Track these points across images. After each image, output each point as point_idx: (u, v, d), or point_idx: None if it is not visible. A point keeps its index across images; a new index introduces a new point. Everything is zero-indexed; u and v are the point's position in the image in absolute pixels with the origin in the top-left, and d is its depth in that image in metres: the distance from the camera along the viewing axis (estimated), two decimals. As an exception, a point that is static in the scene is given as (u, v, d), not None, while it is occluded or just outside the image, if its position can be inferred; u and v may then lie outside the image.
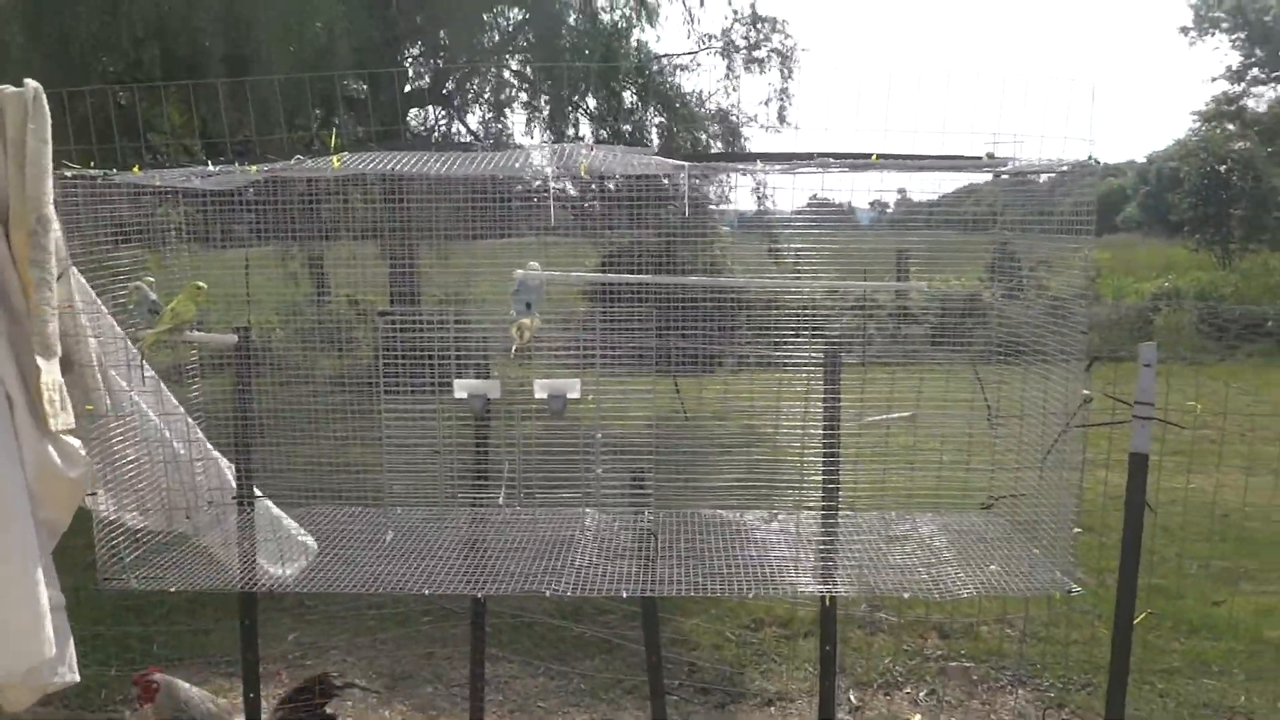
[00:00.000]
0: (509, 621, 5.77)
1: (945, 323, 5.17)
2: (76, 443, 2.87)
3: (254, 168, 2.71)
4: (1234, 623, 5.75)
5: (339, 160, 2.63)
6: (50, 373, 2.87)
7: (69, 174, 2.82)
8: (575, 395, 2.88)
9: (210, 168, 2.84)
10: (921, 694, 5.14)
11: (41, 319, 2.87)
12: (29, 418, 2.80)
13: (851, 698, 5.10)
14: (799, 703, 5.07)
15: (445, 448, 3.10)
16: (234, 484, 3.30)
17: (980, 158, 2.64)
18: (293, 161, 2.72)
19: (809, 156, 2.55)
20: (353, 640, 5.66)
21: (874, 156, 2.55)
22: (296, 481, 3.43)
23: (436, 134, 13.95)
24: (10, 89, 2.89)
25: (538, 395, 2.89)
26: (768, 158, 2.59)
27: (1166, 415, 3.24)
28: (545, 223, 3.26)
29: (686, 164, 2.59)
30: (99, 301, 3.04)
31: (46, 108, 2.88)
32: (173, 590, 2.95)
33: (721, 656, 5.56)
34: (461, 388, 2.91)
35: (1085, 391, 2.79)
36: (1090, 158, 2.58)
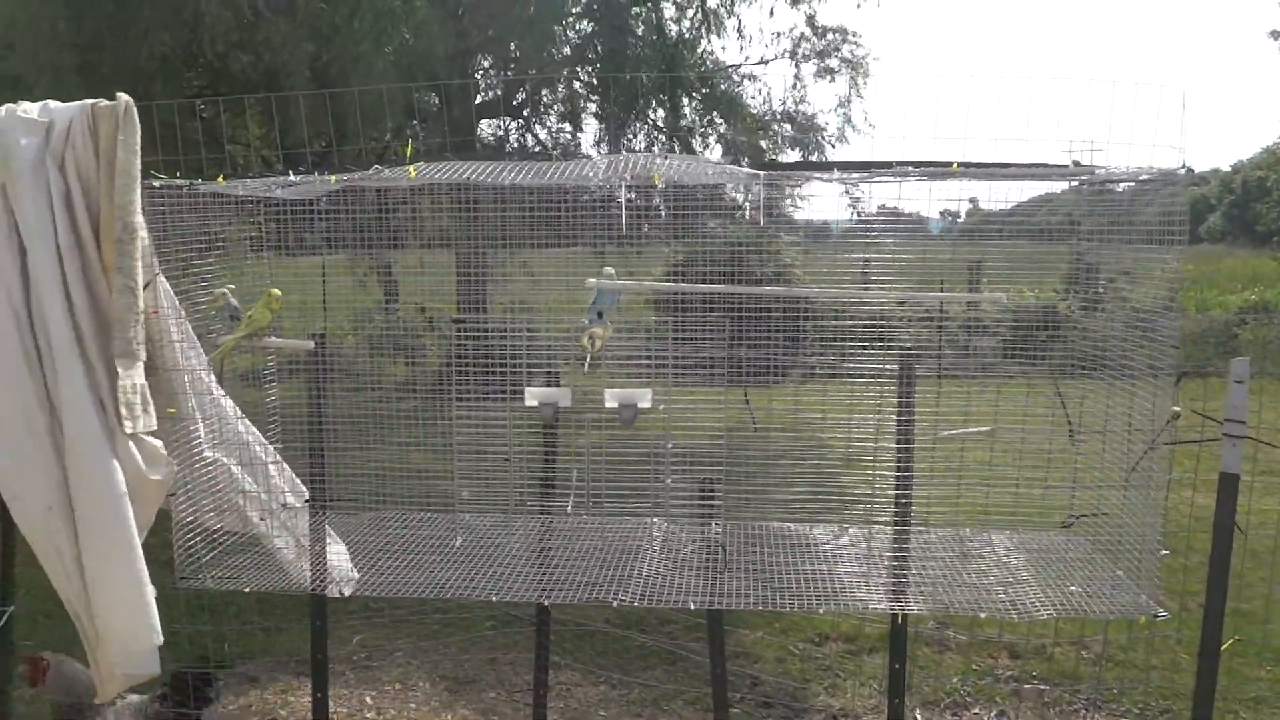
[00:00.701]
0: (572, 629, 5.77)
1: (1019, 335, 5.04)
2: (159, 444, 2.95)
3: (334, 178, 2.76)
4: (1325, 652, 5.49)
5: (414, 170, 2.66)
6: (129, 377, 2.96)
7: (157, 184, 2.90)
8: (646, 405, 2.87)
9: (291, 177, 2.90)
10: (990, 714, 5.00)
11: (123, 324, 2.96)
12: (118, 422, 2.90)
13: (918, 716, 4.99)
14: (863, 719, 4.97)
15: (515, 455, 3.11)
16: (304, 490, 3.36)
17: (1066, 165, 2.56)
18: (370, 171, 2.77)
19: (887, 165, 2.50)
20: (417, 644, 5.72)
21: (955, 165, 2.48)
22: (368, 486, 3.48)
23: (508, 145, 14.12)
24: (104, 103, 3.00)
25: (608, 404, 2.88)
26: (845, 166, 2.55)
27: (1257, 433, 3.10)
28: (614, 231, 3.25)
29: (762, 173, 2.56)
30: (179, 308, 3.12)
31: (136, 120, 2.98)
32: (247, 590, 3.01)
33: (785, 670, 5.49)
34: (533, 395, 2.92)
35: (1175, 408, 2.69)
36: (1183, 166, 2.48)
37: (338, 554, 3.32)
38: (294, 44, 8.86)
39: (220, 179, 3.00)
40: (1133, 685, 5.13)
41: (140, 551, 2.86)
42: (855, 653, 5.65)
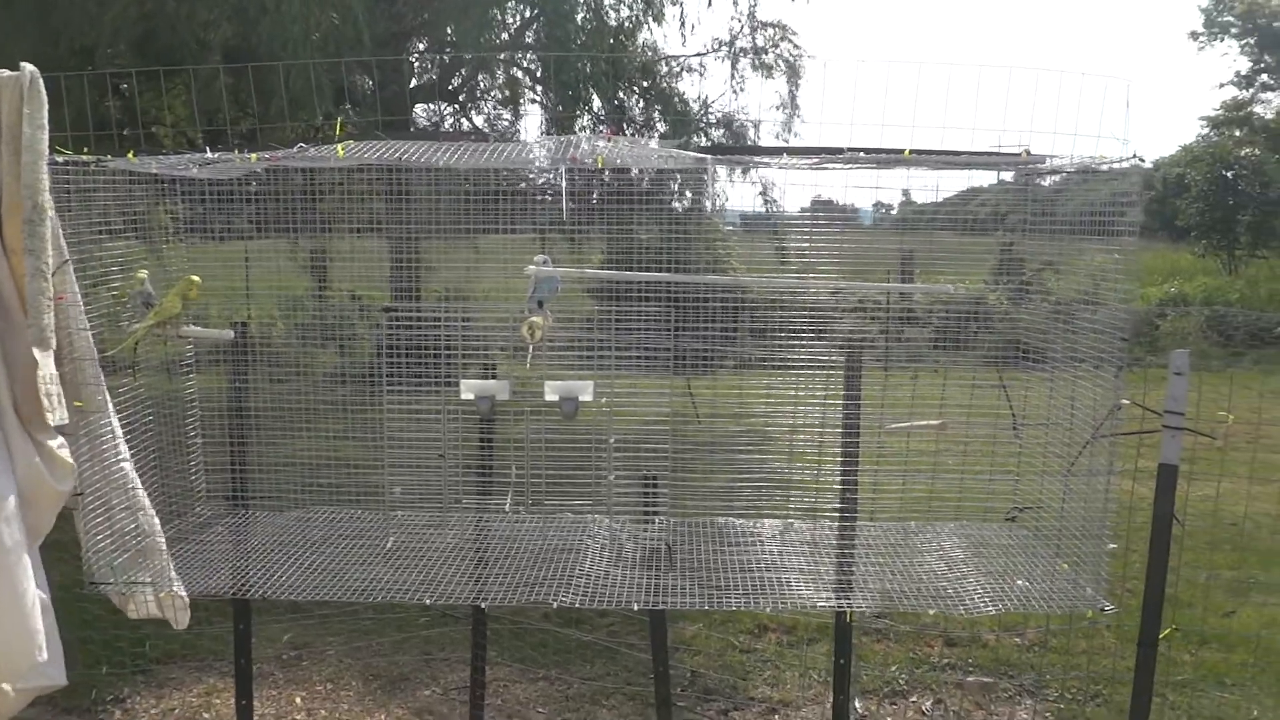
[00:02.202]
0: (508, 626, 5.66)
1: (958, 326, 5.06)
2: (67, 456, 2.75)
3: (254, 156, 2.61)
4: (1244, 634, 5.64)
5: (343, 149, 2.53)
6: (46, 366, 2.77)
7: (60, 159, 2.71)
8: (588, 398, 2.78)
9: (209, 154, 2.74)
10: (928, 703, 5.04)
11: (38, 310, 2.77)
12: (16, 420, 2.70)
13: (857, 706, 4.99)
14: (804, 711, 4.96)
15: (450, 449, 2.99)
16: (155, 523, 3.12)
17: (1018, 154, 2.53)
18: (294, 150, 2.62)
19: (837, 151, 2.44)
20: (349, 642, 5.56)
21: (906, 152, 2.44)
22: (295, 481, 3.33)
23: (443, 130, 13.86)
24: (6, 73, 2.78)
25: (549, 397, 2.78)
26: (794, 151, 2.48)
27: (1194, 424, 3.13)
28: (552, 218, 3.15)
29: (710, 156, 2.48)
30: (78, 295, 2.93)
31: (43, 93, 2.78)
32: (163, 595, 2.84)
33: (724, 663, 5.46)
34: (468, 388, 2.81)
35: (1125, 400, 2.69)
36: (1135, 156, 2.47)
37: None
38: (211, 23, 8.57)
39: (130, 155, 2.81)
40: (1067, 673, 5.22)
41: (24, 565, 2.64)
42: (795, 643, 5.65)
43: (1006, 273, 3.58)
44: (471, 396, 2.82)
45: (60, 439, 2.75)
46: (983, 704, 5.04)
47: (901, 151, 2.43)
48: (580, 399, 2.76)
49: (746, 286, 3.39)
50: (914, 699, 5.09)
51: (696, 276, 2.98)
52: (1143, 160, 2.48)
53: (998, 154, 2.53)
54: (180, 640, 5.37)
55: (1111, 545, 2.76)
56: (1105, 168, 2.60)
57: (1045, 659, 5.40)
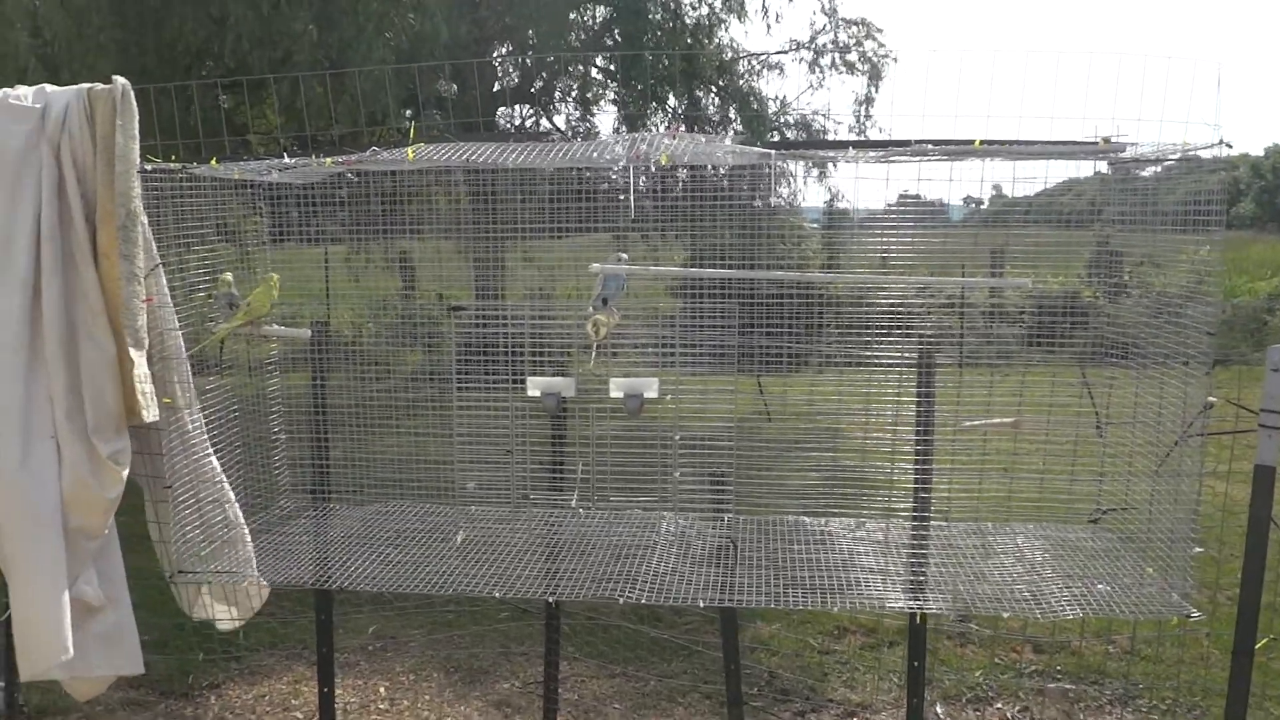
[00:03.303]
0: (585, 623, 5.71)
1: (1043, 322, 4.91)
2: (118, 465, 2.85)
3: (329, 160, 2.69)
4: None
5: (413, 152, 2.58)
6: (141, 365, 2.90)
7: (148, 167, 2.83)
8: (653, 394, 2.78)
9: (286, 159, 2.83)
10: (1013, 710, 4.90)
11: (132, 312, 2.90)
12: (73, 426, 2.81)
13: (939, 712, 4.89)
14: (882, 715, 4.88)
15: (519, 446, 3.03)
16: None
17: (1095, 143, 2.44)
18: (368, 153, 2.69)
19: (905, 143, 2.39)
20: (430, 635, 5.68)
21: (976, 142, 2.37)
22: (373, 475, 3.42)
23: (525, 132, 14.04)
24: (100, 86, 2.92)
25: (614, 394, 2.80)
26: (860, 144, 2.44)
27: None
28: (626, 217, 3.16)
29: (773, 151, 2.46)
30: (168, 297, 3.06)
31: (134, 104, 2.91)
32: (243, 585, 2.96)
33: (803, 664, 5.40)
34: (535, 385, 2.84)
35: (1211, 398, 2.57)
36: (1220, 141, 2.35)
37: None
38: (302, 33, 8.86)
39: (214, 162, 2.92)
40: (1159, 681, 5.01)
41: (56, 568, 2.75)
42: (875, 646, 5.55)
43: (1102, 268, 3.45)
44: (538, 393, 2.86)
45: (114, 448, 2.83)
46: (1070, 712, 4.88)
47: (973, 142, 2.37)
48: (645, 395, 2.77)
49: (812, 282, 3.34)
50: (998, 705, 4.96)
51: (761, 273, 2.95)
52: (1229, 146, 2.36)
53: (1074, 143, 2.44)
54: (270, 630, 5.58)
55: (1198, 549, 2.63)
56: (1188, 155, 2.47)
57: (1136, 667, 5.19)
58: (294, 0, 9.01)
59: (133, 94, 2.86)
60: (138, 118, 2.89)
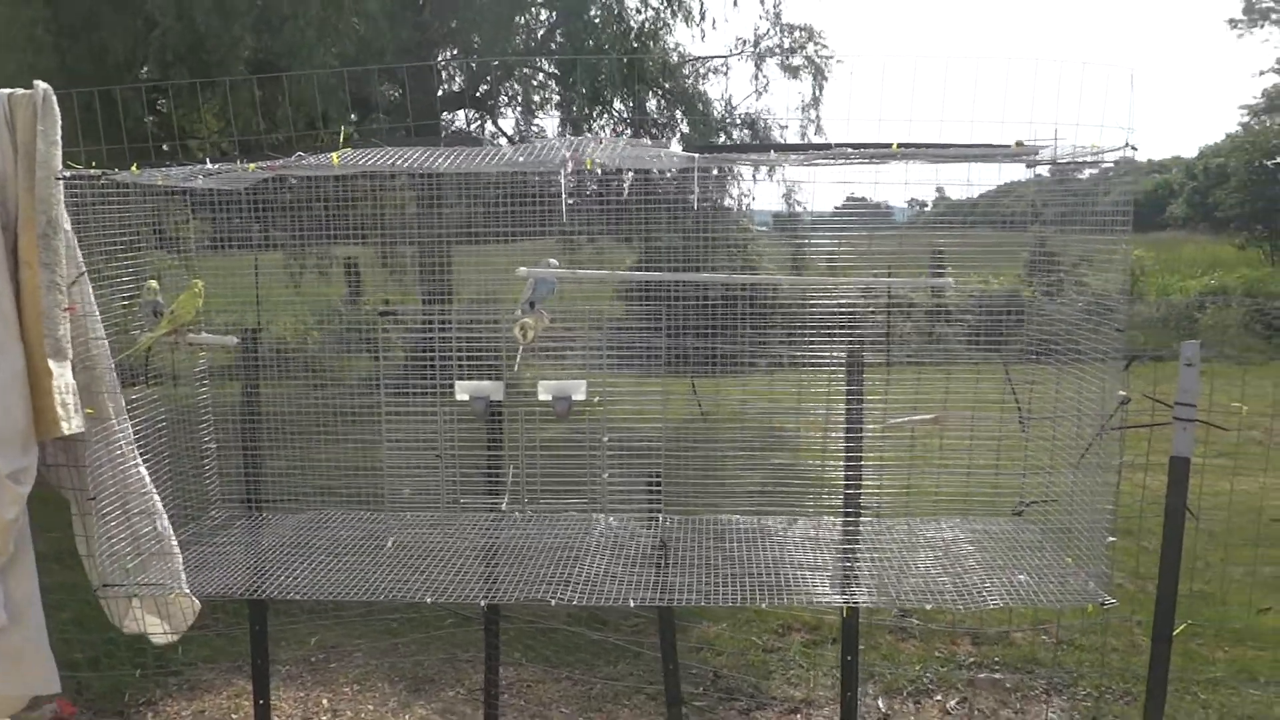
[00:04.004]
0: (531, 627, 5.70)
1: (981, 322, 5.02)
2: (20, 487, 2.77)
3: (252, 165, 2.66)
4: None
5: (338, 157, 2.57)
6: (63, 376, 2.84)
7: (68, 174, 2.78)
8: (581, 397, 2.80)
9: (209, 165, 2.79)
10: (952, 702, 5.00)
11: (53, 321, 2.84)
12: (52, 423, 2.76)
13: (880, 705, 4.97)
14: (825, 710, 4.94)
15: (447, 451, 3.03)
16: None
17: (1008, 146, 2.51)
18: (293, 158, 2.67)
19: (826, 147, 2.44)
20: (374, 644, 5.63)
21: (894, 146, 2.43)
22: (305, 485, 3.38)
23: (471, 136, 13.97)
24: (21, 92, 2.86)
25: (541, 397, 2.81)
26: (782, 148, 2.48)
27: (1209, 416, 3.08)
28: (560, 220, 3.17)
29: (697, 155, 2.49)
30: (94, 306, 3.00)
31: (56, 110, 2.85)
32: (172, 596, 2.91)
33: (747, 662, 5.46)
34: (463, 389, 2.84)
35: (1121, 392, 2.65)
36: (1127, 145, 2.44)
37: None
38: (239, 39, 8.74)
39: (134, 168, 2.87)
40: (1092, 669, 5.15)
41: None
42: (818, 643, 5.63)
43: (1039, 268, 3.55)
44: (466, 397, 2.86)
45: (16, 466, 2.74)
46: (1007, 701, 4.99)
47: (891, 145, 2.42)
48: (573, 398, 2.78)
49: (743, 284, 3.39)
50: (937, 697, 5.05)
51: (688, 275, 2.99)
52: (1134, 149, 2.45)
53: (987, 146, 2.51)
54: (208, 644, 5.49)
55: (1112, 538, 2.72)
56: (1090, 157, 2.56)
57: (1071, 656, 5.33)
58: (228, 7, 8.87)
59: (54, 99, 2.81)
60: (60, 123, 2.84)
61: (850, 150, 2.42)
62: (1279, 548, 6.69)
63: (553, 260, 3.00)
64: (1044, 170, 3.22)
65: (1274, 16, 25.38)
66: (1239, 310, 16.42)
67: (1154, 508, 3.44)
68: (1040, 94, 2.58)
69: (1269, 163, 24.25)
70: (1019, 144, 2.49)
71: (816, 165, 2.50)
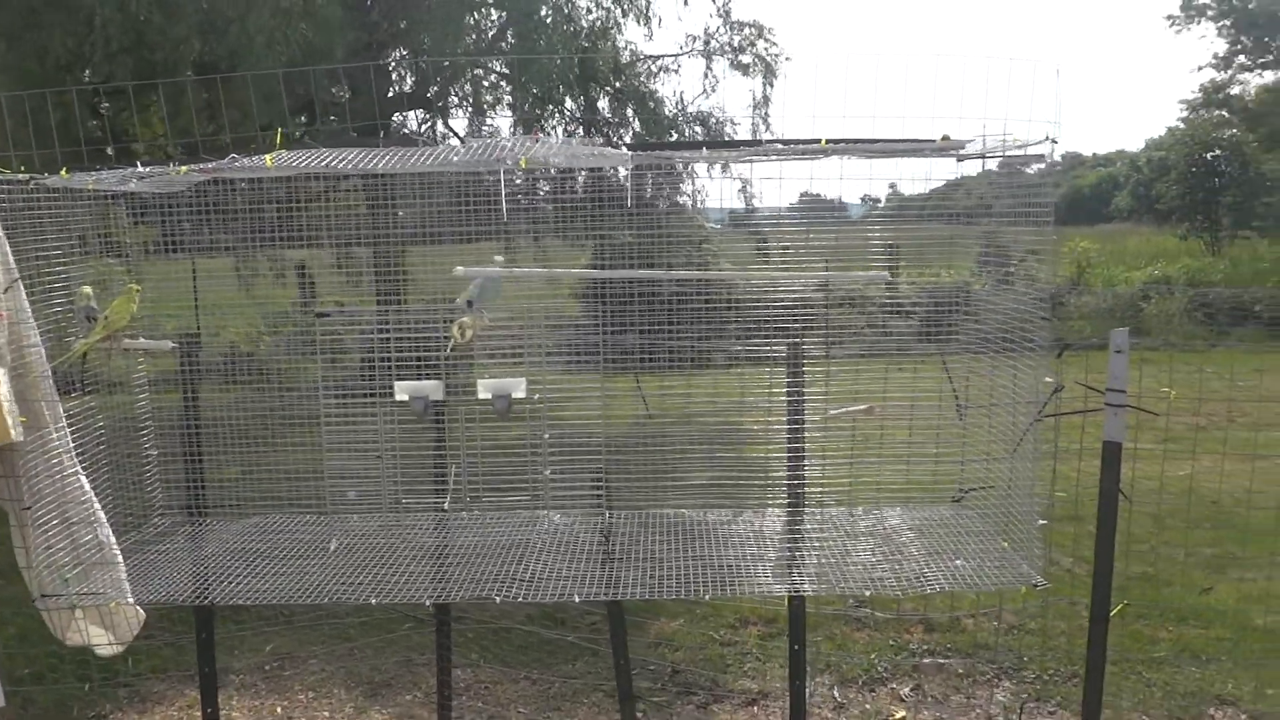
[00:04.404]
0: (486, 628, 5.70)
1: (927, 314, 5.11)
2: None
3: (184, 168, 2.63)
4: (1221, 610, 5.70)
5: (272, 159, 2.55)
6: (2, 383, 2.79)
7: (-1, 180, 2.73)
8: (521, 394, 2.81)
9: (141, 169, 2.76)
10: (905, 689, 5.08)
11: (-12, 329, 2.79)
12: None
13: (836, 695, 5.04)
14: (781, 701, 5.00)
15: (389, 452, 3.02)
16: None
17: (934, 141, 2.57)
18: (226, 161, 2.64)
19: (756, 143, 2.47)
20: (331, 649, 5.58)
21: (823, 141, 2.48)
22: (249, 490, 3.36)
23: (421, 137, 13.88)
24: (-53, 95, 2.81)
25: (481, 395, 2.82)
26: (714, 145, 2.51)
27: (1141, 402, 3.18)
28: (505, 220, 3.18)
29: (630, 153, 2.52)
30: (28, 313, 2.95)
31: (-16, 113, 2.81)
32: (115, 606, 2.87)
33: (705, 657, 5.50)
34: (402, 389, 2.84)
35: (1048, 379, 2.73)
36: (1048, 138, 2.51)
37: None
38: (183, 40, 8.59)
39: (64, 172, 2.83)
40: (1040, 653, 5.26)
41: None
42: (774, 635, 5.69)
43: (990, 261, 3.62)
44: (406, 397, 2.86)
45: None
46: (960, 687, 5.08)
47: (820, 141, 2.47)
48: (513, 395, 2.80)
49: (690, 280, 3.42)
50: (892, 685, 5.13)
51: (623, 272, 3.01)
52: (1055, 142, 2.52)
53: (915, 141, 2.57)
54: (158, 654, 5.41)
55: (1042, 521, 2.80)
56: (1013, 151, 2.63)
57: (1022, 641, 5.44)
58: (170, 6, 8.73)
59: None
60: (-14, 128, 2.79)
61: (781, 146, 2.47)
62: (1220, 529, 6.89)
63: (498, 257, 3.00)
64: (993, 165, 3.30)
65: (1210, 13, 26.06)
66: (1182, 299, 16.83)
67: (1094, 492, 3.53)
68: (971, 90, 2.65)
69: (1208, 155, 24.90)
70: (945, 138, 2.55)
71: (750, 162, 2.54)
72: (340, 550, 3.01)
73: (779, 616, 5.81)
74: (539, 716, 4.92)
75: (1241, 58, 26.39)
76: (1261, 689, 4.83)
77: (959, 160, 2.74)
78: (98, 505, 3.04)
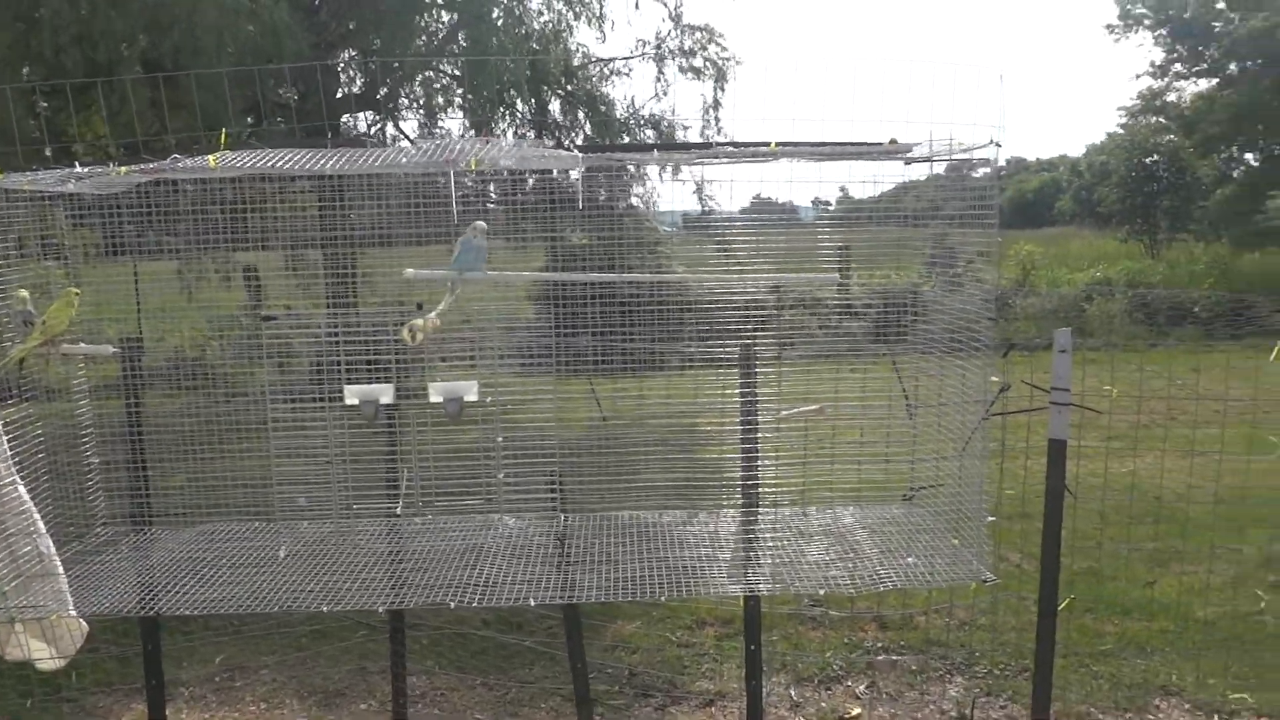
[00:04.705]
0: (446, 633, 5.65)
1: (878, 316, 5.16)
2: None
3: (124, 169, 2.58)
4: (1164, 603, 5.84)
5: (215, 159, 2.51)
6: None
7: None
8: (473, 397, 2.79)
9: (79, 169, 2.69)
10: (861, 687, 5.13)
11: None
12: None
13: (791, 694, 5.07)
14: (739, 701, 5.02)
15: (338, 457, 2.98)
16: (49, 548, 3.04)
17: (883, 144, 2.60)
18: (168, 161, 2.59)
19: (706, 146, 2.49)
20: (283, 659, 5.49)
21: (773, 144, 2.50)
22: (195, 498, 3.29)
23: (370, 139, 13.72)
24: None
25: (432, 398, 2.79)
26: (664, 147, 2.52)
27: (1084, 400, 3.25)
28: (452, 220, 3.15)
29: (581, 155, 2.51)
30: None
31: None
32: (56, 618, 2.80)
33: (663, 658, 5.50)
34: (352, 393, 2.81)
35: (994, 378, 2.78)
36: (992, 141, 2.56)
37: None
38: (129, 36, 8.40)
39: (-1, 173, 2.76)
40: (992, 648, 5.34)
41: None
42: (731, 635, 5.71)
43: (937, 263, 3.67)
44: (356, 401, 2.82)
45: None
46: (914, 683, 5.15)
47: (769, 144, 2.49)
48: (465, 398, 2.78)
49: (644, 283, 3.43)
50: (848, 683, 5.18)
51: (571, 275, 3.01)
52: (999, 145, 2.57)
53: (863, 144, 2.60)
54: (103, 667, 5.27)
55: (990, 518, 2.85)
56: (959, 155, 2.68)
57: (975, 637, 5.53)
58: (118, 2, 8.53)
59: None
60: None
61: (732, 149, 2.48)
62: (1162, 524, 7.06)
63: (480, 224, 2.92)
64: (941, 169, 3.35)
65: (1146, 22, 26.71)
66: (1122, 300, 17.24)
67: (1040, 489, 3.60)
68: (916, 94, 2.69)
69: (1146, 161, 25.56)
70: (893, 141, 2.59)
71: (701, 164, 2.56)
72: (290, 558, 2.95)
73: (735, 617, 5.84)
74: (496, 722, 4.89)
75: (1178, 66, 27.09)
76: (1203, 679, 4.96)
77: (906, 163, 2.78)
78: (37, 515, 2.95)
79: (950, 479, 3.07)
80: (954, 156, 2.68)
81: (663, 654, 5.57)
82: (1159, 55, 27.21)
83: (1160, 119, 27.18)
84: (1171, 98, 26.95)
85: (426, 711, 5.00)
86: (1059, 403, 3.06)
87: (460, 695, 5.19)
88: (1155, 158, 25.41)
